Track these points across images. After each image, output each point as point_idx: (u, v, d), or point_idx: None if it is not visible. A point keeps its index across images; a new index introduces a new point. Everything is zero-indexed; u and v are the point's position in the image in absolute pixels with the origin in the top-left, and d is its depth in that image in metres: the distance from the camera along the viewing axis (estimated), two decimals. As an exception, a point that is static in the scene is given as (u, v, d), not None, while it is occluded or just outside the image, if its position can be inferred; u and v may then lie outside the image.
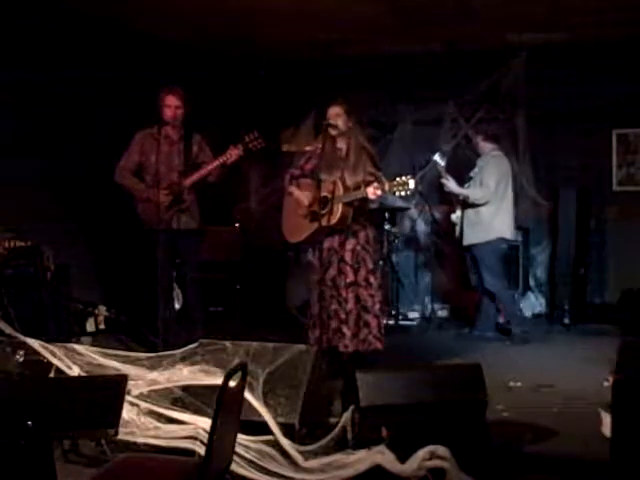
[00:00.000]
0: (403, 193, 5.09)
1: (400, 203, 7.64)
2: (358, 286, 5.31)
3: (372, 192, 5.12)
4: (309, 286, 5.45)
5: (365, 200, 5.28)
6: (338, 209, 5.20)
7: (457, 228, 7.03)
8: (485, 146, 6.93)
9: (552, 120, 7.84)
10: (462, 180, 6.98)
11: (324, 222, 5.18)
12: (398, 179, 5.05)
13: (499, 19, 6.75)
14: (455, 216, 7.04)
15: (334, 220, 5.20)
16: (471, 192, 6.81)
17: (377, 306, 5.36)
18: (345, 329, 5.26)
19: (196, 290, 5.99)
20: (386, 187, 5.10)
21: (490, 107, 7.86)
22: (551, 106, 7.83)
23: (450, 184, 6.83)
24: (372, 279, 5.37)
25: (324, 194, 5.25)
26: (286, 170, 5.76)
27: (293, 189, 5.54)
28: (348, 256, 5.32)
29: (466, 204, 6.88)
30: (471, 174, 6.93)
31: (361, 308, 5.31)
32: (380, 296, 5.43)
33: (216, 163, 5.64)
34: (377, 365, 5.39)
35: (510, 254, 7.58)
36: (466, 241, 6.87)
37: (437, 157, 7.22)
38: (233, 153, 5.60)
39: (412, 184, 5.03)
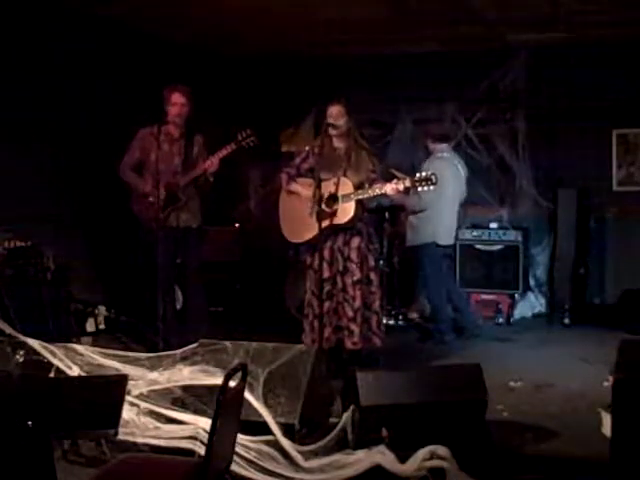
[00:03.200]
0: (426, 188, 5.01)
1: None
2: (362, 283, 5.31)
3: (393, 188, 5.05)
4: (307, 286, 5.41)
5: (376, 197, 5.26)
6: (350, 207, 5.18)
7: None
8: (435, 149, 6.69)
9: (552, 120, 7.83)
10: None
11: (334, 220, 5.14)
12: (419, 175, 5.00)
13: (499, 19, 6.75)
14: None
15: (346, 218, 5.18)
16: (408, 201, 6.49)
17: (377, 303, 5.38)
18: (353, 326, 5.26)
19: (197, 290, 5.99)
20: (407, 183, 5.03)
21: (490, 107, 7.86)
22: (551, 106, 7.82)
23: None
24: (373, 276, 5.39)
25: (329, 192, 5.20)
26: (281, 169, 5.70)
27: (296, 187, 5.45)
28: (354, 254, 5.30)
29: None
30: None
31: (364, 305, 5.31)
32: (379, 293, 5.43)
33: (208, 162, 5.64)
34: (377, 365, 5.40)
35: (508, 254, 7.59)
36: (408, 243, 6.80)
37: None
38: (225, 149, 5.62)
39: (435, 179, 4.98)
